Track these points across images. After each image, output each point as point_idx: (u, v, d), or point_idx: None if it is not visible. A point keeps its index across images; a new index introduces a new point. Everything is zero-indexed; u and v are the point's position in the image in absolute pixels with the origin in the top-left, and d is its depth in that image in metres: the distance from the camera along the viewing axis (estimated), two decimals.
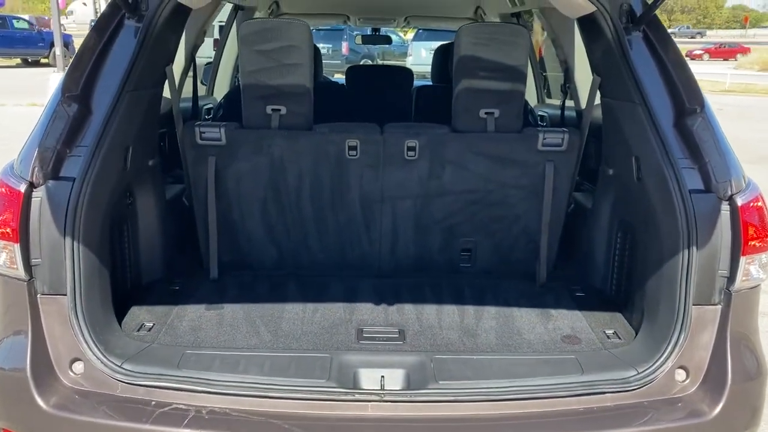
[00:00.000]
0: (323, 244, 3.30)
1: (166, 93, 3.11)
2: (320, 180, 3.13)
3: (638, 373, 2.47)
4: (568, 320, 2.94)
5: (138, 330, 2.74)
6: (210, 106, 5.02)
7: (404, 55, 23.33)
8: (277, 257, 3.34)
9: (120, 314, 2.81)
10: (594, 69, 3.04)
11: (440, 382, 2.41)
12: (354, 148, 3.06)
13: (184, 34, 3.99)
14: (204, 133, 3.03)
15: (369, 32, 7.19)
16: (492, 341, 2.74)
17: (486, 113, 3.06)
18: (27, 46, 24.79)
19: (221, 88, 5.48)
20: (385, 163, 3.09)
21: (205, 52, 6.22)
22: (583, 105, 4.14)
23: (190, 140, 3.04)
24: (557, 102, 5.51)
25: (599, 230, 3.23)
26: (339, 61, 20.64)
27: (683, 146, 2.58)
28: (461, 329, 2.83)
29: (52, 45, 20.45)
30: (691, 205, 2.47)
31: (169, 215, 3.30)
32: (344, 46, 22.60)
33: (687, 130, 2.58)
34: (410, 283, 3.26)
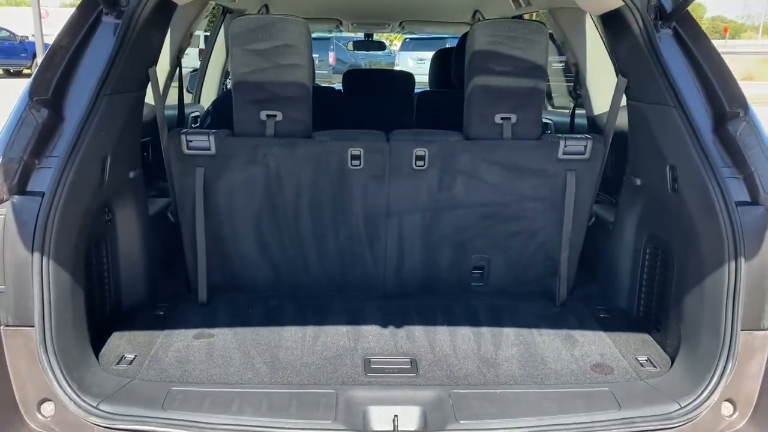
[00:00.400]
0: (323, 263, 3.02)
1: (150, 99, 2.82)
2: (320, 193, 2.85)
3: (681, 408, 2.21)
4: (595, 345, 2.67)
5: (117, 363, 2.44)
6: (197, 114, 4.73)
7: (391, 64, 23.11)
8: (273, 278, 3.04)
9: (97, 345, 2.51)
10: (619, 70, 2.79)
11: (461, 422, 2.13)
12: (357, 157, 2.78)
13: (168, 35, 3.73)
14: (191, 141, 2.74)
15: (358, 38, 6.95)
16: (515, 372, 2.46)
17: (502, 118, 2.79)
18: (9, 57, 24.31)
19: (208, 95, 5.19)
20: (392, 173, 2.82)
21: (190, 62, 5.95)
22: (596, 110, 3.91)
23: (176, 149, 2.75)
24: (561, 108, 5.28)
25: (624, 245, 2.97)
26: (326, 71, 20.38)
27: (725, 154, 2.33)
28: (479, 358, 2.55)
29: (35, 55, 20.01)
30: (737, 219, 2.22)
31: (153, 232, 3.00)
32: (331, 56, 22.36)
33: (729, 135, 2.33)
34: (419, 305, 2.98)
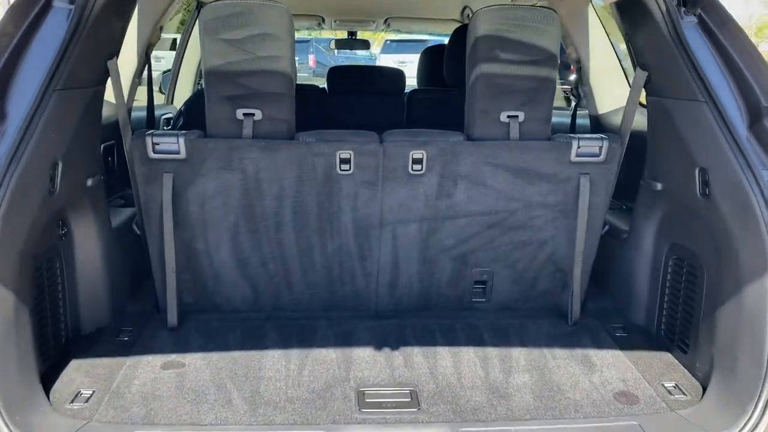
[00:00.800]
0: (308, 280, 2.70)
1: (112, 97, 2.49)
2: (305, 201, 2.53)
3: None
4: (615, 370, 2.38)
5: (72, 401, 2.10)
6: (170, 115, 4.39)
7: None
8: (252, 297, 2.72)
9: (49, 380, 2.18)
10: (638, 63, 2.51)
11: None
12: (347, 161, 2.47)
13: (136, 28, 3.39)
14: (158, 144, 2.41)
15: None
16: (529, 403, 2.16)
17: (508, 117, 2.50)
18: None
19: (183, 96, 4.84)
20: (385, 179, 2.51)
21: (167, 67, 5.61)
22: (601, 109, 3.64)
23: (141, 153, 2.42)
24: (556, 108, 5.00)
25: (641, 256, 2.69)
26: (306, 74, 20.03)
27: (763, 154, 2.06)
28: (488, 387, 2.25)
29: None
30: None
31: (117, 247, 2.67)
32: (311, 59, 22.01)
33: (765, 133, 2.06)
34: (416, 325, 2.68)
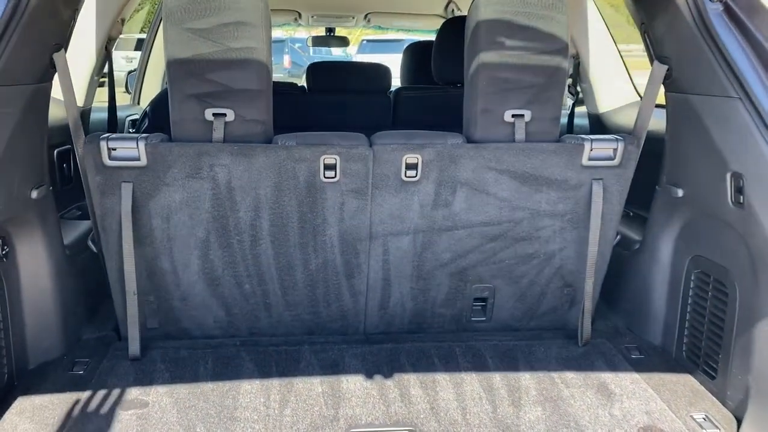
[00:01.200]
0: (289, 301, 2.40)
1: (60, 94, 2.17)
2: (284, 213, 2.24)
3: None
4: (636, 400, 2.12)
5: None
6: (136, 116, 4.05)
7: None
8: (226, 321, 2.42)
9: None
10: (656, 55, 2.25)
11: None
12: (332, 167, 2.18)
13: (94, 20, 3.07)
14: (114, 149, 2.09)
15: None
16: None
17: (513, 116, 2.23)
18: None
19: (150, 96, 4.50)
20: (375, 187, 2.22)
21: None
22: (602, 108, 3.39)
23: (95, 160, 2.10)
24: None
25: (657, 270, 2.44)
26: (281, 75, 19.63)
27: None
28: (498, 425, 1.97)
29: None
30: None
31: (70, 267, 2.35)
32: (286, 59, 21.63)
33: None
34: (411, 350, 2.39)
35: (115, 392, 2.08)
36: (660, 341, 2.45)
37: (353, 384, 2.16)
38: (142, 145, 2.09)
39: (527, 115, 2.22)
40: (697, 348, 2.26)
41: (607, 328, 2.59)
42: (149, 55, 4.51)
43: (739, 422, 1.99)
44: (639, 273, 2.52)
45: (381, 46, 19.00)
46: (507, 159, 2.23)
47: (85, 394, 2.06)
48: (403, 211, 2.27)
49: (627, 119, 3.25)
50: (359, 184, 2.20)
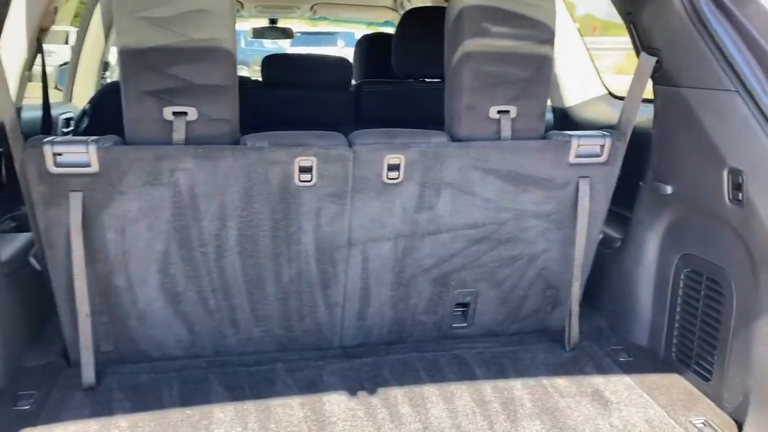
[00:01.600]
0: (259, 315, 2.21)
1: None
2: (255, 221, 2.04)
3: None
4: (633, 406, 2.04)
5: None
6: (70, 114, 3.73)
7: None
8: (189, 340, 2.20)
9: None
10: (643, 46, 2.17)
11: None
12: (308, 169, 1.99)
13: (24, 10, 2.76)
14: (60, 155, 1.85)
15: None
16: None
17: (499, 112, 2.10)
18: None
19: (84, 93, 4.17)
20: (355, 190, 2.05)
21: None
22: (568, 102, 3.32)
23: (38, 167, 1.85)
24: None
25: (643, 269, 2.37)
26: None
27: None
28: None
29: None
30: None
31: (8, 285, 2.08)
32: None
33: None
34: (393, 363, 2.24)
35: (70, 429, 1.85)
36: (647, 342, 2.38)
37: (336, 405, 1.99)
38: (92, 149, 1.85)
39: (513, 111, 2.10)
40: (688, 349, 2.20)
41: (591, 329, 2.50)
42: (81, 48, 4.17)
43: (740, 426, 1.93)
44: (623, 272, 2.45)
45: (315, 39, 18.67)
46: (493, 158, 2.10)
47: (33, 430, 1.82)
48: (384, 216, 2.11)
49: (595, 113, 3.19)
50: (338, 188, 2.03)
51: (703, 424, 1.96)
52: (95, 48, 4.23)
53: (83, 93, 4.14)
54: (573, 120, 3.24)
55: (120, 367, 2.15)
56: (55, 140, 1.84)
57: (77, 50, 4.20)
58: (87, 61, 4.21)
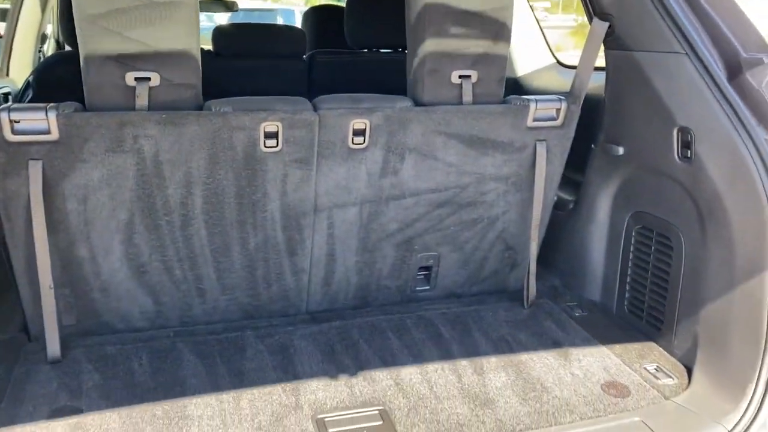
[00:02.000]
0: (225, 284, 2.21)
1: None
2: (220, 188, 2.03)
3: None
4: (592, 357, 2.15)
5: None
6: (7, 89, 3.58)
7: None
8: (154, 311, 2.18)
9: None
10: (596, 12, 2.24)
11: None
12: (273, 135, 1.99)
13: None
14: (18, 122, 1.80)
15: None
16: (518, 410, 1.86)
17: (460, 77, 2.14)
18: None
19: (20, 67, 4.00)
20: (321, 155, 2.07)
21: None
22: (520, 71, 3.40)
23: None
24: None
25: (595, 228, 2.48)
26: None
27: (750, 110, 1.87)
28: (466, 394, 1.92)
29: None
30: None
31: None
32: None
33: (749, 87, 1.87)
34: (361, 325, 2.29)
35: (39, 401, 1.82)
36: (600, 297, 2.49)
37: (309, 367, 2.02)
38: (52, 115, 1.80)
39: (474, 75, 2.15)
40: (639, 302, 2.32)
41: (546, 288, 2.61)
42: (17, 21, 3.99)
43: (689, 369, 2.06)
44: (576, 232, 2.55)
45: (254, 16, 18.31)
46: (455, 122, 2.14)
47: (0, 410, 1.78)
48: (349, 181, 2.14)
49: (545, 82, 3.28)
50: (304, 154, 2.04)
51: (656, 369, 2.08)
52: (31, 20, 4.06)
53: (20, 66, 3.98)
54: (524, 89, 3.32)
55: (84, 339, 2.12)
56: (12, 107, 1.79)
57: (12, 22, 4.03)
58: (23, 33, 4.04)
